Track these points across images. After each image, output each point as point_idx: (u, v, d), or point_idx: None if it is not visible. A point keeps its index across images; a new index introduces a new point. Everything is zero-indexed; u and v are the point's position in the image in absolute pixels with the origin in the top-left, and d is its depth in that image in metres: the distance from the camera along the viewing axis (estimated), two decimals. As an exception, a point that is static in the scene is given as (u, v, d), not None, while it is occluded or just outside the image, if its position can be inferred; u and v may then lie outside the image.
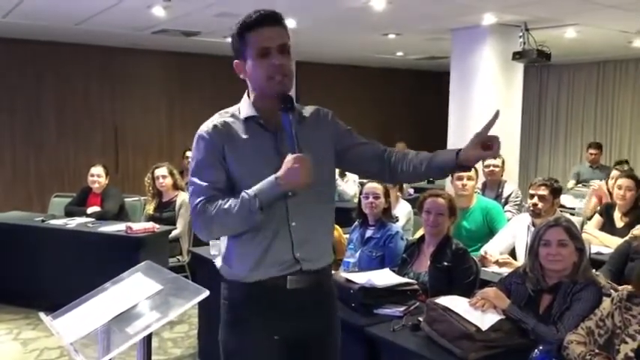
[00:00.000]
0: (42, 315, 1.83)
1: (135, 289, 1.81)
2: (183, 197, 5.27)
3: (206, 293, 1.70)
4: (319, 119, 1.95)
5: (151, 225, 4.77)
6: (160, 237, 4.81)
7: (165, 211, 5.30)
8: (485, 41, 6.58)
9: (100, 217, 5.17)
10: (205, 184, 1.79)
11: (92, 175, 5.40)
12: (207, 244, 3.84)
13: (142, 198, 5.73)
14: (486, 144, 1.72)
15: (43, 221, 5.10)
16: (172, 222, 5.20)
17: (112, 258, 4.44)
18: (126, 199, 5.62)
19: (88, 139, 8.38)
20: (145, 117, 8.81)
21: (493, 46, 6.57)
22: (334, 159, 1.96)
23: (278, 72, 1.78)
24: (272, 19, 1.79)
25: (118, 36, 7.36)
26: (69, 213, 5.33)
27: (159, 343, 4.31)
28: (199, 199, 1.77)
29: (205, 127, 1.85)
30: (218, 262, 1.95)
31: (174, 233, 5.10)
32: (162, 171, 5.32)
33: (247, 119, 1.85)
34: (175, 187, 5.37)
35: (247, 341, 1.85)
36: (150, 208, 5.35)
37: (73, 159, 8.25)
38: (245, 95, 1.92)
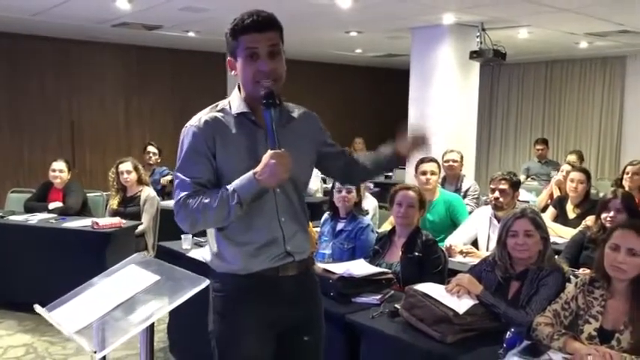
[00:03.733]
0: (37, 307, 1.83)
1: (131, 280, 1.84)
2: (147, 192, 5.23)
3: (206, 282, 1.75)
4: (307, 120, 2.02)
5: (117, 220, 4.71)
6: (127, 232, 4.77)
7: (129, 206, 5.23)
8: (444, 40, 6.78)
9: (63, 212, 5.08)
10: (189, 179, 1.82)
11: (54, 170, 5.27)
12: (177, 239, 3.85)
13: (105, 193, 5.65)
14: (417, 140, 2.06)
15: (2, 217, 4.97)
16: (137, 217, 5.14)
17: (79, 253, 4.40)
18: (88, 195, 5.53)
19: (44, 134, 8.15)
20: (102, 112, 8.63)
21: (451, 45, 6.77)
22: (315, 160, 2.06)
23: (264, 77, 1.82)
24: (265, 24, 1.82)
25: (75, 28, 7.19)
26: (29, 209, 5.20)
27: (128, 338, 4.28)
28: (182, 194, 1.81)
29: (196, 121, 1.87)
30: (207, 256, 1.98)
31: (139, 228, 5.05)
32: (126, 166, 5.23)
33: (239, 115, 1.89)
34: (140, 182, 5.31)
35: (241, 331, 1.89)
36: (114, 203, 5.27)
37: (28, 155, 8.01)
38: (236, 90, 1.94)
